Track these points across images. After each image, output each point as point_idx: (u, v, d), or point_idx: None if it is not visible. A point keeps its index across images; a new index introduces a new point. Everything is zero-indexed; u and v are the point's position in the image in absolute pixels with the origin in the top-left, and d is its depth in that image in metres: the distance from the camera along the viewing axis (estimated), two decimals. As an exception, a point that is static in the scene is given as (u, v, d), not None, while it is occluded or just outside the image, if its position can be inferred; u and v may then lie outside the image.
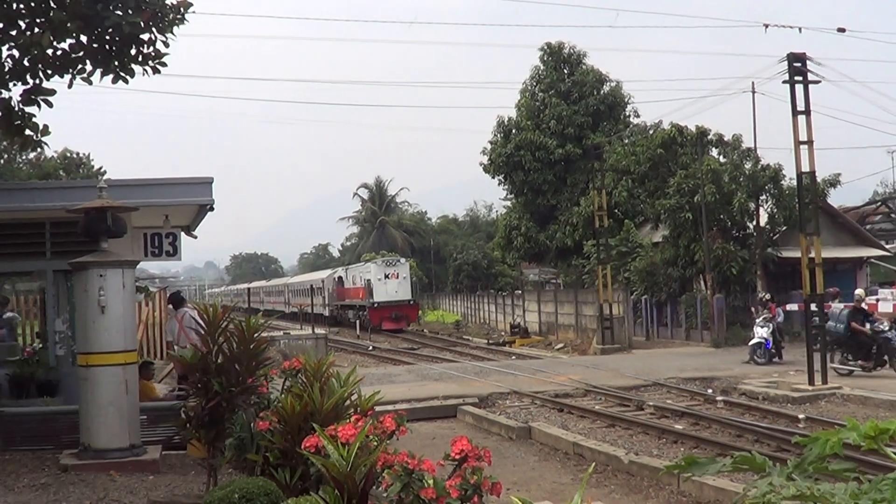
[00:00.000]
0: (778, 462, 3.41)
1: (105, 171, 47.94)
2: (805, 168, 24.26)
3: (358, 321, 60.94)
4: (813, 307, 24.36)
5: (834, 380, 23.22)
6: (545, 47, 56.01)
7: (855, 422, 3.18)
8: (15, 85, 13.48)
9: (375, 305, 59.64)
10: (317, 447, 5.40)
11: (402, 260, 65.54)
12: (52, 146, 23.07)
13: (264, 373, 9.37)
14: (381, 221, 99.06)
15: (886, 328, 24.96)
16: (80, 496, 10.21)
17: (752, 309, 32.02)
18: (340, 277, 70.05)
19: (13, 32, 12.93)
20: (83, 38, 13.05)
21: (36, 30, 12.76)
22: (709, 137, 41.69)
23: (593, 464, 14.62)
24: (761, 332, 28.82)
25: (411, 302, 61.97)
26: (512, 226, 57.04)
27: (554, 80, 54.97)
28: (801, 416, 18.95)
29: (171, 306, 18.66)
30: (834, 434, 3.18)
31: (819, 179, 30.72)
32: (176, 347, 16.61)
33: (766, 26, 33.88)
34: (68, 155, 48.67)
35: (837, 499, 2.96)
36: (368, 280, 60.46)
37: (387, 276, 60.56)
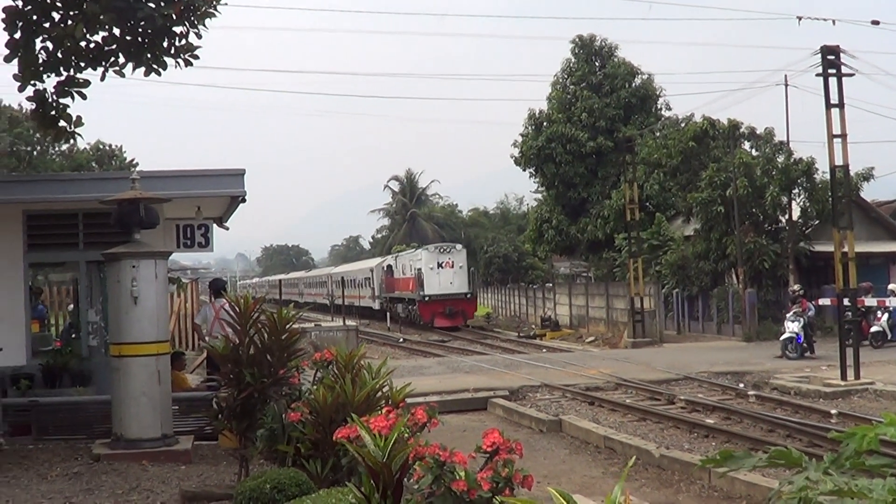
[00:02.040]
0: (813, 457, 3.38)
1: (137, 163, 48.18)
2: (838, 162, 24.08)
3: (388, 314, 58.62)
4: (846, 302, 24.19)
5: (867, 375, 23.02)
6: (576, 40, 55.66)
7: (892, 416, 3.15)
8: (49, 76, 13.57)
9: (426, 299, 52.48)
10: (349, 438, 5.41)
11: (459, 246, 58.00)
12: (85, 138, 23.27)
13: (296, 364, 9.40)
14: (412, 214, 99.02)
15: None
16: (112, 485, 10.27)
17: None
18: (390, 266, 62.06)
19: (47, 24, 13.02)
20: (116, 31, 13.13)
21: (69, 22, 12.84)
22: (741, 130, 41.50)
23: (633, 457, 14.53)
24: (792, 327, 28.60)
25: (468, 295, 53.84)
26: (543, 218, 56.72)
27: (585, 73, 54.63)
28: (833, 412, 18.82)
29: (210, 293, 18.47)
30: (871, 429, 3.15)
31: (852, 173, 30.48)
32: (207, 338, 16.62)
33: (800, 19, 33.53)
34: (101, 146, 48.94)
35: (875, 494, 2.93)
36: (419, 269, 53.54)
37: (440, 265, 53.36)
